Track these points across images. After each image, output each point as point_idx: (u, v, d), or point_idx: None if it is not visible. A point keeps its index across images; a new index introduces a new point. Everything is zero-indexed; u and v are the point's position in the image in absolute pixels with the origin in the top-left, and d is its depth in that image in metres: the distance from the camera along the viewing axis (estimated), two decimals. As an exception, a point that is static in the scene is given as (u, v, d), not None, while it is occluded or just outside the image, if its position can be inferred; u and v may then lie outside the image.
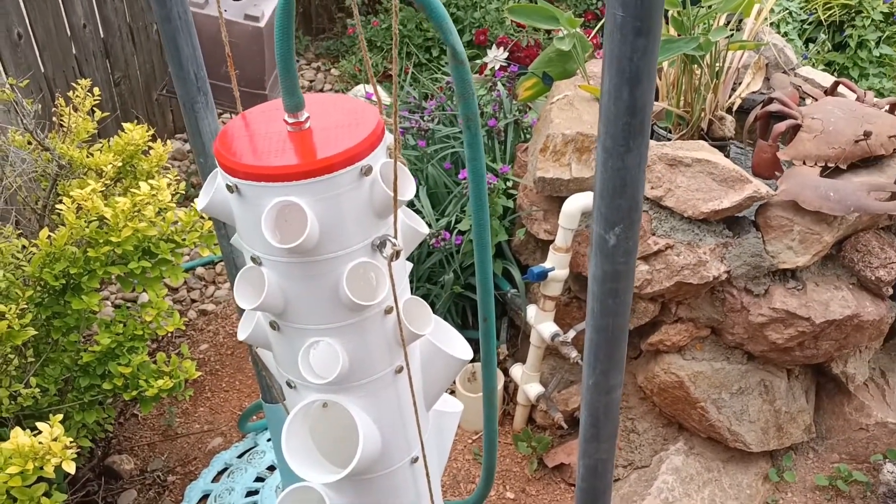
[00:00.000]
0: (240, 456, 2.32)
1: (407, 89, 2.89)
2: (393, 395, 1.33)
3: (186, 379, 2.00)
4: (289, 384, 1.32)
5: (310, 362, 1.24)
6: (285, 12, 1.05)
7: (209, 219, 2.12)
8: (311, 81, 4.63)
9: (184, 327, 2.06)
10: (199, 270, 3.13)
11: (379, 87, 3.89)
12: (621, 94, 0.87)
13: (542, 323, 2.20)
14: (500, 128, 2.43)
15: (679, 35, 2.17)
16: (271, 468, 2.25)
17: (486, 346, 1.42)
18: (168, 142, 2.34)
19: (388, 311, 1.24)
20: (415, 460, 1.43)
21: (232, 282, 1.75)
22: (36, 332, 1.71)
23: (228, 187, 1.11)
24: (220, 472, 2.29)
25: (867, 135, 1.93)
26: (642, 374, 2.22)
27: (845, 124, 1.98)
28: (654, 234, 1.99)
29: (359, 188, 1.12)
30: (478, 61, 2.87)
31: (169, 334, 2.79)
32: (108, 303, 2.95)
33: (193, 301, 3.02)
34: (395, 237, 1.18)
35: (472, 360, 1.91)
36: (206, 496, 2.22)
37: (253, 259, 1.18)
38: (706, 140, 2.30)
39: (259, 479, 2.22)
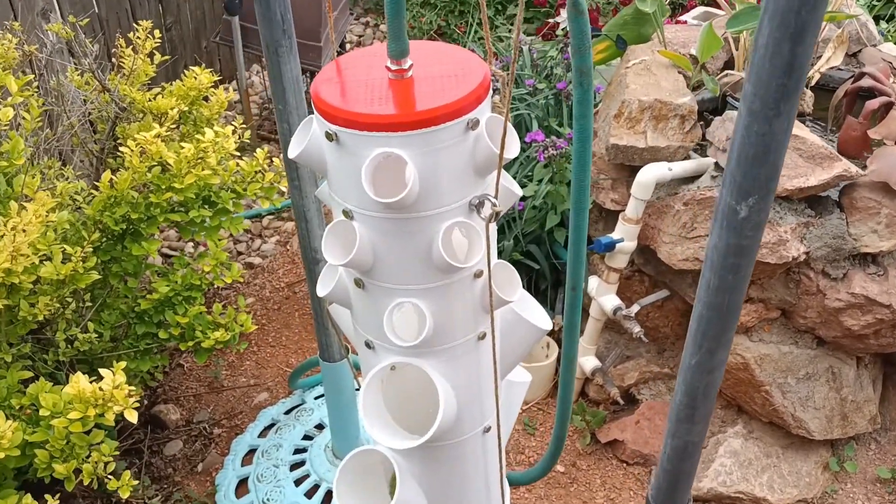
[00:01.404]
0: (287, 412, 2.30)
1: (470, 46, 2.80)
2: (474, 361, 1.28)
3: (241, 332, 1.97)
4: (367, 345, 1.27)
5: (393, 323, 1.19)
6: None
7: (271, 163, 2.07)
8: (359, 37, 4.55)
9: (241, 279, 2.01)
10: (246, 223, 3.09)
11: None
12: (780, 51, 0.79)
13: (604, 295, 2.14)
14: (570, 91, 2.34)
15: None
16: (319, 427, 2.22)
17: (571, 315, 1.36)
18: (229, 89, 2.28)
19: (478, 274, 1.19)
20: (487, 430, 1.39)
21: (303, 243, 1.71)
22: (100, 276, 1.68)
23: (328, 135, 1.05)
24: (267, 428, 2.27)
25: (966, 117, 1.83)
26: (704, 353, 2.16)
27: (942, 105, 1.88)
28: (731, 210, 1.91)
29: (463, 143, 1.06)
30: (550, 20, 2.77)
31: (217, 287, 2.76)
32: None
33: (240, 254, 2.99)
34: (496, 197, 1.12)
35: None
36: (252, 451, 2.20)
37: (345, 213, 1.12)
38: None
39: (307, 438, 2.19)
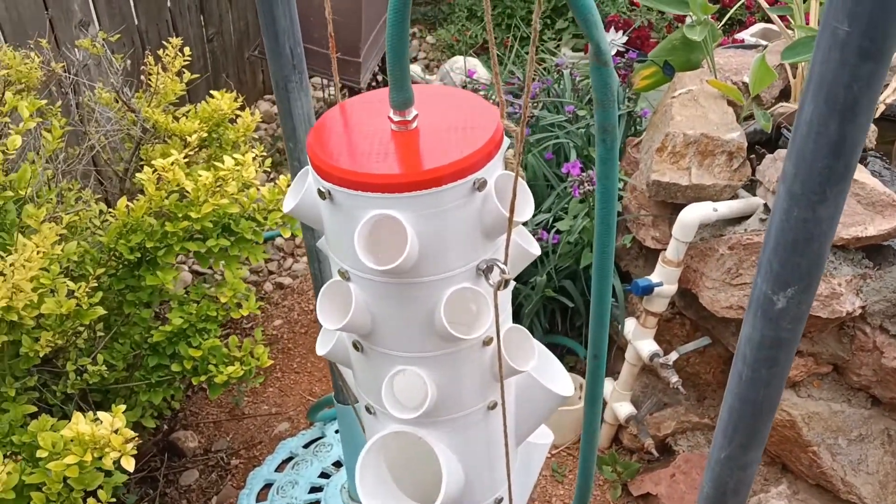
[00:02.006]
0: (306, 446, 2.22)
1: (510, 68, 2.69)
2: (483, 432, 1.18)
3: (258, 367, 1.90)
4: (368, 409, 1.18)
5: (394, 391, 1.10)
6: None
7: (293, 197, 2.00)
8: (405, 48, 4.47)
9: (258, 311, 1.94)
10: (279, 241, 3.03)
11: (476, 61, 3.70)
12: (827, 129, 0.68)
13: (640, 340, 2.01)
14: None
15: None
16: (337, 464, 2.14)
17: (593, 385, 1.24)
18: (255, 111, 2.21)
19: (487, 342, 1.08)
20: (499, 501, 1.28)
21: (316, 284, 1.62)
22: (105, 312, 1.62)
23: (320, 192, 0.96)
24: (285, 462, 2.19)
25: None
26: (747, 405, 2.01)
27: None
28: (780, 257, 1.76)
29: (469, 204, 0.96)
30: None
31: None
32: (185, 268, 2.88)
33: (271, 273, 2.93)
34: (505, 262, 1.01)
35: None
36: (268, 485, 2.13)
37: (340, 273, 1.03)
38: (843, 150, 2.05)
39: (324, 475, 2.11)
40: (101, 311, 1.59)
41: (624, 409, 2.11)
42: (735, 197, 1.89)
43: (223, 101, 2.07)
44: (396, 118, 0.98)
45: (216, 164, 1.82)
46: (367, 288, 1.01)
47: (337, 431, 2.24)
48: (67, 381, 1.73)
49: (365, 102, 1.07)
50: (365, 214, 0.93)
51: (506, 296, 1.10)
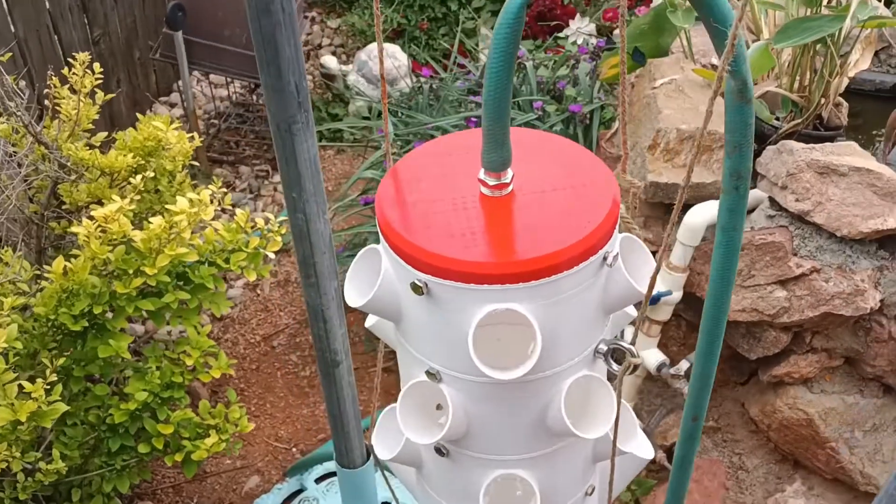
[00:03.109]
0: (285, 502, 1.99)
1: (461, 61, 2.49)
2: (580, 520, 1.02)
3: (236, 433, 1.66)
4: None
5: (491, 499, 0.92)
6: (510, 33, 0.68)
7: (254, 227, 1.75)
8: (307, 35, 4.17)
9: (232, 372, 1.69)
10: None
11: (395, 47, 3.47)
12: None
13: (644, 350, 1.89)
14: (585, 113, 2.07)
15: (811, 12, 1.83)
16: (329, 521, 1.93)
17: (689, 447, 1.10)
18: (155, 110, 1.92)
19: (595, 427, 0.91)
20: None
21: (320, 337, 1.40)
22: (68, 408, 1.34)
23: (416, 287, 0.75)
24: (264, 523, 1.96)
25: None
26: (756, 405, 1.94)
27: None
28: (796, 255, 1.68)
29: (596, 282, 0.78)
30: (559, 35, 2.47)
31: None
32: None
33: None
34: (633, 342, 0.84)
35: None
36: (251, 554, 1.90)
37: (429, 373, 0.83)
38: (820, 130, 1.99)
39: (315, 536, 1.90)
40: (63, 407, 1.31)
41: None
42: (735, 192, 1.78)
43: (158, 125, 1.78)
44: (492, 181, 0.78)
45: (169, 207, 1.55)
46: (466, 390, 0.82)
47: (319, 480, 2.02)
48: (16, 486, 1.44)
49: (427, 158, 0.87)
50: (478, 311, 0.74)
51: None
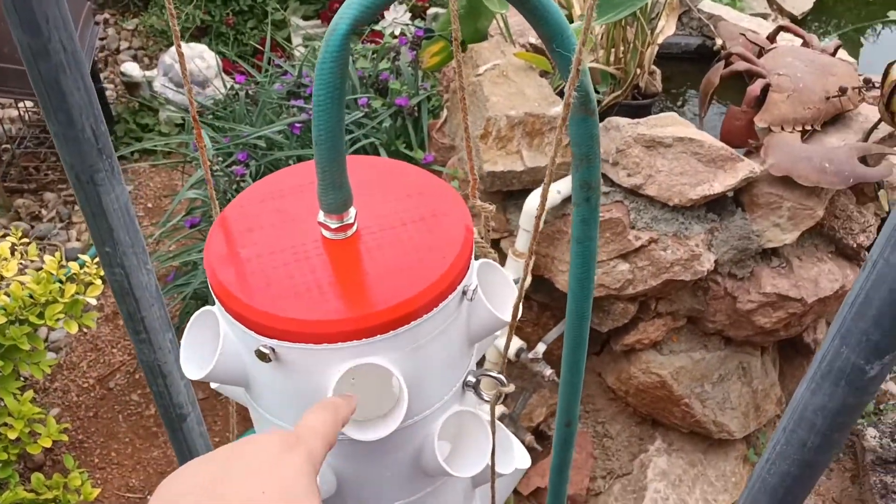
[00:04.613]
0: (148, 557, 1.84)
1: (276, 61, 2.36)
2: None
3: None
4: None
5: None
6: (335, 68, 0.61)
7: (68, 278, 1.58)
8: (101, 39, 3.85)
9: (66, 437, 1.52)
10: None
11: (203, 46, 3.26)
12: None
13: (501, 337, 1.89)
14: (413, 106, 2.02)
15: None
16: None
17: (564, 453, 1.09)
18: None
19: (473, 458, 0.87)
20: None
21: (161, 394, 1.27)
22: None
23: (261, 354, 0.67)
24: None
25: (843, 91, 1.75)
26: (612, 374, 1.99)
27: (813, 79, 1.79)
28: (633, 228, 1.72)
29: (458, 318, 0.74)
30: (375, 27, 2.38)
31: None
32: None
33: (24, 351, 2.38)
34: (502, 370, 0.80)
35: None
36: None
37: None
38: (639, 99, 2.06)
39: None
40: None
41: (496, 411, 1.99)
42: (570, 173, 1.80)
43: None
44: (333, 223, 0.71)
45: (-40, 267, 1.36)
46: (336, 450, 0.75)
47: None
48: None
49: (256, 202, 0.78)
50: (334, 370, 0.67)
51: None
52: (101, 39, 3.89)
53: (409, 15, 2.57)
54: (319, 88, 0.62)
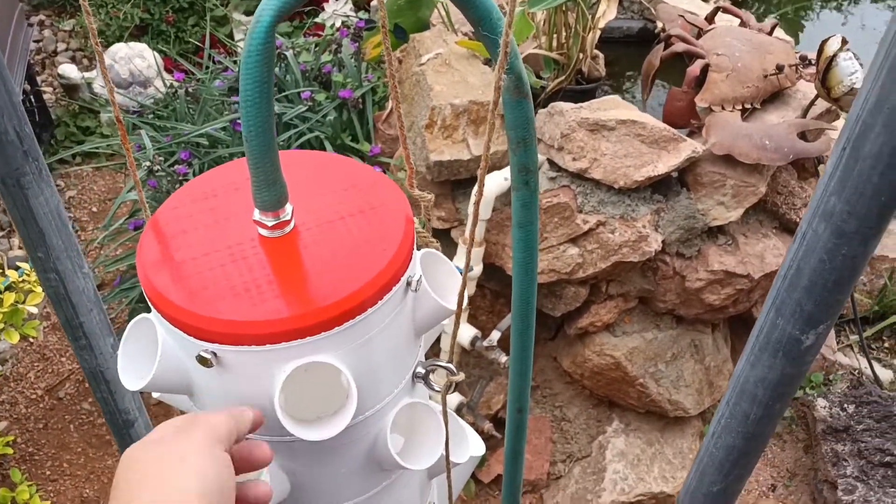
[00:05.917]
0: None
1: (217, 57, 2.31)
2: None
3: (31, 516, 1.46)
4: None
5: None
6: (261, 60, 0.60)
7: (6, 287, 1.53)
8: (37, 42, 3.74)
9: (11, 451, 1.48)
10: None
11: (143, 45, 3.19)
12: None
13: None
14: (357, 98, 1.99)
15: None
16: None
17: (517, 439, 1.09)
18: None
19: (426, 450, 0.87)
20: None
21: (105, 400, 1.24)
22: None
23: (202, 359, 0.65)
24: None
25: (780, 69, 1.78)
26: (567, 358, 2.01)
27: (750, 58, 1.82)
28: (581, 212, 1.73)
29: (402, 310, 0.73)
30: (317, 20, 2.34)
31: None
32: None
33: (-32, 365, 2.32)
34: (450, 358, 0.80)
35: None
36: None
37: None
38: (583, 84, 2.07)
39: None
40: None
41: (452, 400, 1.99)
42: (516, 159, 1.80)
43: None
44: (270, 221, 0.70)
45: None
46: (280, 451, 0.74)
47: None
48: None
49: (187, 203, 0.76)
50: (280, 371, 0.66)
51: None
52: (37, 42, 3.78)
53: (351, 7, 2.55)
54: (246, 83, 0.61)
